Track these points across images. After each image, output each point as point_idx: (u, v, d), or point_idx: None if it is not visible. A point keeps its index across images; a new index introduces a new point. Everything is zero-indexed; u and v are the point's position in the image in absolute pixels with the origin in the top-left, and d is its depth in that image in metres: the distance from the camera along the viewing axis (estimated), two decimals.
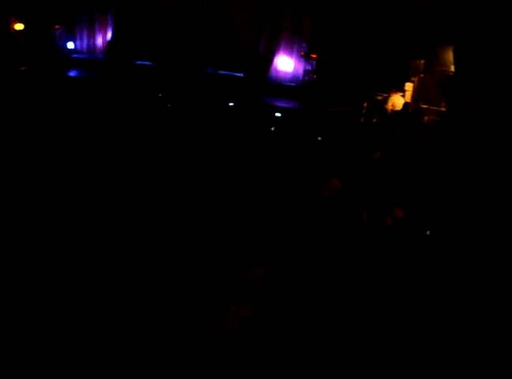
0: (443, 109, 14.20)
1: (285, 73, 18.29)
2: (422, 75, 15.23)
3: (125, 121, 14.26)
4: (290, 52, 18.16)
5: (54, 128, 13.25)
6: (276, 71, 18.42)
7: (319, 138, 13.63)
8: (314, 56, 17.07)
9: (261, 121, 15.03)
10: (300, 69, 17.80)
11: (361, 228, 8.07)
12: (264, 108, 16.34)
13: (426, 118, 14.21)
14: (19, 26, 19.59)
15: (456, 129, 12.75)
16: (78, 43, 20.90)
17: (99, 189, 9.81)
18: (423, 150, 12.46)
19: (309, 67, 17.30)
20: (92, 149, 11.93)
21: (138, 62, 19.80)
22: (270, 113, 15.75)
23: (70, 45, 20.74)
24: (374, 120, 14.80)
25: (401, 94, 14.71)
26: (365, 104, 15.20)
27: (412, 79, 15.29)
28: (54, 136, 12.61)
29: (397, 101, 14.38)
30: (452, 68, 14.63)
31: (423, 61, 15.41)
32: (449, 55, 15.11)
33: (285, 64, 18.28)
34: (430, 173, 11.27)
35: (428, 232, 8.45)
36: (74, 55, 20.67)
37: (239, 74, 18.48)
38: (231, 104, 16.12)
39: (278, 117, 15.35)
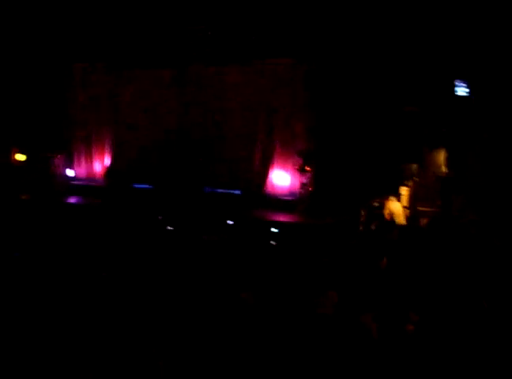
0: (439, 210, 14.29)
1: (282, 187, 18.49)
2: (416, 178, 15.41)
3: (125, 245, 14.35)
4: (285, 166, 18.44)
5: (55, 254, 13.37)
6: (273, 186, 18.64)
7: (319, 250, 13.54)
8: (308, 169, 17.31)
9: (260, 237, 15.04)
10: (296, 183, 17.99)
11: (370, 343, 7.89)
12: (262, 224, 16.39)
13: (423, 220, 14.25)
14: (20, 157, 20.20)
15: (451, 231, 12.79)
16: (77, 170, 21.59)
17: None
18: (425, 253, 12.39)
19: (304, 180, 17.49)
20: (92, 272, 11.97)
21: (137, 186, 20.13)
22: (269, 228, 15.77)
23: (70, 172, 21.29)
24: (373, 227, 14.79)
25: (397, 199, 14.80)
26: (362, 212, 15.23)
27: (406, 183, 15.45)
28: (55, 262, 12.71)
29: (394, 207, 14.43)
30: (444, 169, 14.86)
31: (415, 165, 15.63)
32: (441, 157, 15.39)
33: (281, 178, 18.51)
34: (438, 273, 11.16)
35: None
36: (74, 182, 21.25)
37: (236, 192, 18.70)
38: (229, 222, 16.18)
39: (275, 232, 15.34)
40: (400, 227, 14.01)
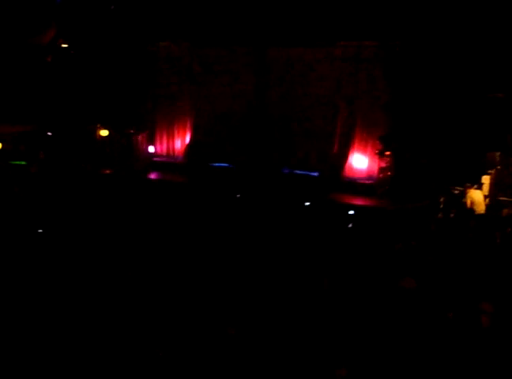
0: None
1: (360, 170, 18.46)
2: (498, 167, 15.07)
3: (204, 223, 14.69)
4: (364, 150, 18.38)
5: (135, 228, 13.84)
6: (351, 169, 18.61)
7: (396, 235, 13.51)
8: (388, 153, 17.19)
9: (337, 220, 15.10)
10: (375, 167, 17.92)
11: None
12: (339, 207, 16.43)
13: (505, 210, 13.95)
14: (104, 132, 20.91)
15: None
16: (158, 147, 22.18)
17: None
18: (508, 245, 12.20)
19: (383, 164, 17.39)
20: (171, 250, 12.33)
21: (216, 164, 20.46)
22: (345, 211, 15.80)
23: (151, 149, 21.87)
24: (452, 215, 14.61)
25: (479, 188, 14.53)
26: (441, 199, 15.05)
27: (489, 171, 15.13)
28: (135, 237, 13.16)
29: (475, 195, 14.19)
30: None
31: (498, 153, 15.28)
32: None
33: (360, 162, 18.47)
34: None
35: None
36: (155, 159, 21.90)
37: (314, 174, 18.76)
38: (307, 204, 16.30)
39: (352, 214, 15.35)
40: (480, 216, 13.78)
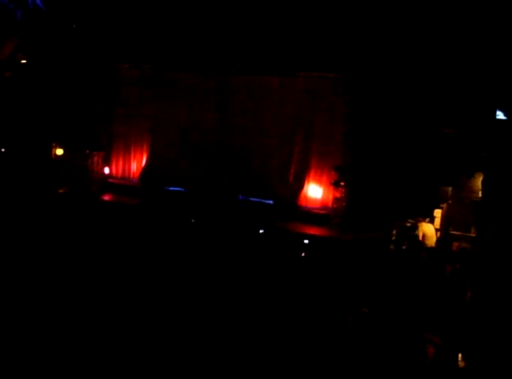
0: (473, 235, 14.21)
1: (315, 200, 18.57)
2: (450, 201, 15.37)
3: (157, 246, 14.54)
4: (319, 180, 18.53)
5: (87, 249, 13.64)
6: (306, 198, 18.72)
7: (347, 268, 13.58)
8: (343, 184, 17.35)
9: (291, 248, 15.11)
10: (329, 197, 18.05)
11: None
12: (293, 235, 16.46)
13: (456, 244, 14.19)
14: (59, 151, 20.66)
15: (488, 255, 12.68)
16: (114, 168, 21.96)
17: None
18: (457, 279, 12.36)
19: (338, 195, 17.54)
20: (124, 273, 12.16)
21: (172, 188, 20.35)
22: (299, 240, 15.84)
23: (106, 170, 21.65)
24: (404, 247, 14.77)
25: (430, 221, 14.76)
26: (394, 231, 15.24)
27: (441, 205, 15.42)
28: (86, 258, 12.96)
29: (427, 229, 14.40)
30: (480, 194, 14.77)
31: (450, 188, 15.60)
32: (477, 182, 15.31)
33: (314, 191, 18.59)
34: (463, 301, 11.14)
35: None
36: (110, 180, 21.68)
37: (268, 201, 18.81)
38: (261, 231, 16.30)
39: (306, 244, 15.38)
40: (430, 249, 13.97)
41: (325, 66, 17.97)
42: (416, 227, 14.60)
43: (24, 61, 21.25)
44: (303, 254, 14.76)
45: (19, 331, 7.86)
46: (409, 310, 10.33)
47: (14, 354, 7.20)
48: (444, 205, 15.39)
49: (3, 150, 20.79)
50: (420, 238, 14.19)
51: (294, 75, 18.89)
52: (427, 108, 16.28)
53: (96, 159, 20.99)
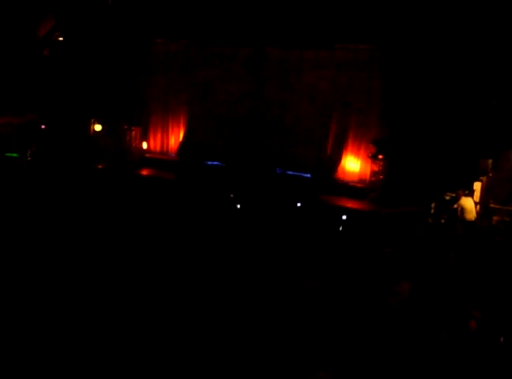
0: None
1: (352, 173, 18.51)
2: (490, 174, 15.13)
3: (195, 221, 14.68)
4: (357, 153, 18.42)
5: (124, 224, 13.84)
6: (343, 172, 18.65)
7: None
8: (381, 157, 17.24)
9: (328, 222, 15.11)
10: (367, 170, 17.97)
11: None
12: (331, 209, 16.46)
13: (495, 218, 14.03)
14: (98, 127, 20.92)
15: None
16: (152, 143, 22.17)
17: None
18: (497, 253, 12.25)
19: (376, 168, 17.44)
20: (161, 249, 12.34)
21: (209, 163, 20.48)
22: (337, 213, 15.82)
23: (144, 145, 21.84)
24: (443, 220, 14.67)
25: (470, 194, 14.57)
26: (433, 204, 15.11)
27: (481, 178, 15.19)
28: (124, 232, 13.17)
29: (466, 202, 14.23)
30: None
31: (491, 161, 15.35)
32: None
33: (352, 165, 18.51)
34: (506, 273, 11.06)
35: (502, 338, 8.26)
36: (148, 155, 21.89)
37: (306, 175, 18.80)
38: (298, 205, 16.33)
39: (344, 219, 15.36)
40: (469, 223, 13.83)
41: (361, 38, 17.73)
42: (455, 201, 14.41)
43: (61, 39, 21.48)
44: (340, 228, 14.79)
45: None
46: (450, 284, 10.33)
47: (14, 350, 7.28)
48: (484, 178, 15.12)
49: (43, 127, 21.13)
50: (459, 211, 14.04)
51: (329, 48, 18.70)
52: (469, 79, 15.98)
53: (133, 134, 21.18)
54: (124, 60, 21.29)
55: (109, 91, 21.25)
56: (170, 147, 21.93)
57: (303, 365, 7.31)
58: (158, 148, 22.07)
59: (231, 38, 19.94)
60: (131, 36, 21.08)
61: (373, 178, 17.57)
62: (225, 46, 20.50)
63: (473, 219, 13.96)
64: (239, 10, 19.18)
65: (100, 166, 20.30)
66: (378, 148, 17.38)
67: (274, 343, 7.88)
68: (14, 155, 19.59)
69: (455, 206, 14.32)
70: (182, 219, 14.49)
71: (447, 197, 15.12)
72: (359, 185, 18.19)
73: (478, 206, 14.59)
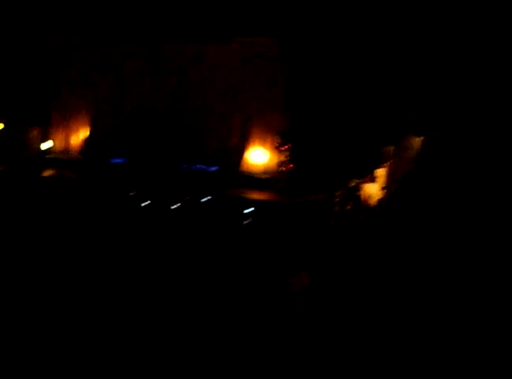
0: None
1: (258, 165, 18.38)
2: (392, 161, 15.32)
3: (92, 221, 14.28)
4: (263, 145, 18.32)
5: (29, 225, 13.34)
6: (250, 164, 18.51)
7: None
8: (287, 148, 17.19)
9: (235, 215, 14.99)
10: (273, 161, 17.90)
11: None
12: (237, 201, 16.30)
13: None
14: None
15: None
16: (54, 143, 21.26)
17: None
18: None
19: (282, 159, 17.39)
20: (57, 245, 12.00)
21: (114, 161, 19.93)
22: (244, 206, 15.69)
23: (46, 145, 20.96)
24: (349, 207, 14.73)
25: (372, 181, 14.71)
26: (338, 192, 15.15)
27: (384, 165, 15.36)
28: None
29: (370, 188, 14.34)
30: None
31: (392, 148, 15.54)
32: (418, 141, 15.31)
33: (258, 156, 18.39)
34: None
35: None
36: (49, 156, 20.98)
37: (212, 169, 18.56)
38: (205, 199, 16.10)
39: (251, 211, 15.25)
40: (372, 208, 13.97)
41: (259, 31, 17.71)
42: (359, 188, 14.52)
43: None
44: (247, 220, 14.68)
45: None
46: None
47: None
48: (387, 165, 15.30)
49: None
50: (363, 198, 14.14)
51: (228, 41, 18.57)
52: (370, 69, 16.14)
53: (35, 134, 20.36)
54: (25, 58, 20.48)
55: (9, 90, 20.40)
56: (73, 146, 21.18)
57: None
58: (61, 147, 21.27)
59: (129, 35, 19.52)
60: (32, 33, 20.26)
61: (279, 169, 17.53)
62: (124, 43, 20.02)
63: (376, 204, 14.10)
64: (136, 6, 18.83)
65: (1, 168, 19.35)
66: (284, 139, 17.34)
67: None
68: None
69: (359, 193, 14.44)
70: (77, 218, 14.08)
71: (352, 185, 15.23)
72: (265, 176, 18.10)
73: (382, 191, 14.75)
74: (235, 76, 18.64)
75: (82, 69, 20.93)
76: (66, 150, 21.15)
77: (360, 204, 14.29)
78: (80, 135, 21.05)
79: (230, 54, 18.63)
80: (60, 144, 21.23)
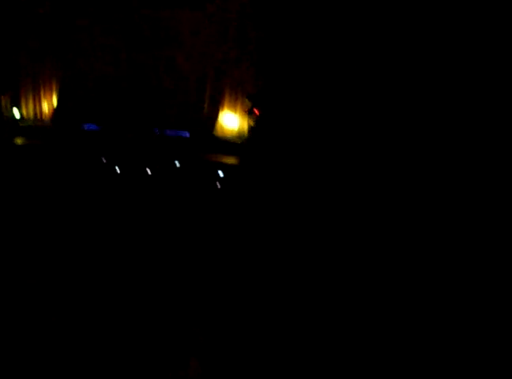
0: None
1: (231, 129, 18.38)
2: None
3: (68, 187, 14.32)
4: (234, 109, 18.32)
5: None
6: (222, 129, 18.53)
7: None
8: (257, 111, 17.19)
9: (207, 180, 15.12)
10: (245, 126, 17.92)
11: None
12: (211, 166, 16.40)
13: None
14: None
15: None
16: (24, 110, 21.04)
17: None
18: None
19: (252, 123, 17.39)
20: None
21: (86, 127, 19.81)
22: (216, 170, 15.83)
23: (16, 113, 20.71)
24: None
25: None
26: None
27: None
28: None
29: None
30: None
31: None
32: None
33: (230, 121, 18.39)
34: None
35: None
36: (21, 123, 20.74)
37: (185, 134, 18.56)
38: (177, 164, 16.18)
39: (221, 176, 15.40)
40: None
41: None
42: None
43: None
44: (219, 185, 14.82)
45: None
46: None
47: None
48: None
49: None
50: None
51: (202, 8, 18.42)
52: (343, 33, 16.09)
53: (3, 102, 20.11)
54: None
55: None
56: (44, 113, 20.96)
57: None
58: (31, 115, 20.98)
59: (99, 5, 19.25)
60: None
61: (250, 134, 17.54)
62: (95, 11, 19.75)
63: None
64: None
65: None
66: (254, 103, 17.31)
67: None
68: None
69: None
70: (52, 186, 14.12)
71: None
72: (238, 141, 18.14)
73: None
74: (207, 43, 18.52)
75: (48, 35, 20.46)
76: (37, 117, 20.91)
77: None
78: (50, 102, 20.79)
79: (204, 17, 18.48)
80: (31, 112, 20.97)
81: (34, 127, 20.51)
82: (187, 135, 18.49)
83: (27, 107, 21.07)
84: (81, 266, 9.52)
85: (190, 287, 8.82)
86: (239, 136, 18.23)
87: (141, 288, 8.90)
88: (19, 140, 19.64)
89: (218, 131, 18.54)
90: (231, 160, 16.91)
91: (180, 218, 12.62)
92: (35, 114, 21.13)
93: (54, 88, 20.77)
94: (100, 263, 9.63)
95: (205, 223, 12.07)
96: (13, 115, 20.50)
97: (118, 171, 15.84)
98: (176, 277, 9.06)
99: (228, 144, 17.93)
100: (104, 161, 16.16)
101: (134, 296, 8.64)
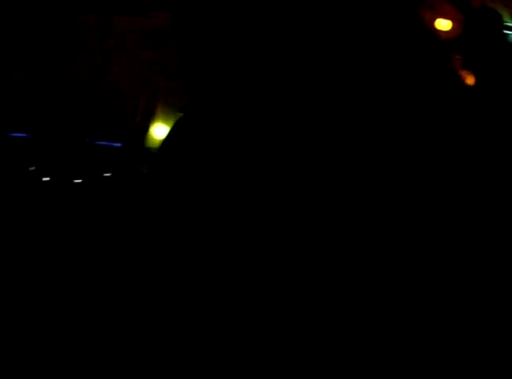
0: None
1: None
2: None
3: None
4: (167, 120, 18.38)
5: None
6: (154, 140, 18.53)
7: None
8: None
9: (138, 190, 15.06)
10: None
11: None
12: (143, 177, 16.37)
13: None
14: None
15: None
16: None
17: None
18: None
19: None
20: None
21: (14, 134, 19.51)
22: (147, 181, 15.79)
23: None
24: None
25: None
26: None
27: None
28: None
29: None
30: None
31: None
32: None
33: (163, 132, 18.41)
34: None
35: None
36: None
37: (117, 144, 18.50)
38: (107, 175, 16.12)
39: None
40: None
41: (164, 7, 17.66)
42: None
43: None
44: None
45: None
46: None
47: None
48: None
49: None
50: None
51: (137, 15, 18.47)
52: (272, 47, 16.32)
53: None
54: None
55: None
56: None
57: None
58: None
59: (38, 2, 19.09)
60: None
61: (164, 142, 17.61)
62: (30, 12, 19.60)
63: None
64: None
65: None
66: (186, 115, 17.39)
67: None
68: None
69: None
70: None
71: None
72: None
73: None
74: (141, 53, 18.59)
75: None
76: None
77: None
78: None
79: (136, 29, 18.54)
80: None
81: None
82: (119, 145, 18.44)
83: None
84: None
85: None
86: None
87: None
88: None
89: (150, 143, 18.54)
90: None
91: (105, 226, 12.53)
92: None
93: None
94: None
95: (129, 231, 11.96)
96: None
97: (45, 179, 15.65)
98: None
99: None
100: (31, 169, 15.95)
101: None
